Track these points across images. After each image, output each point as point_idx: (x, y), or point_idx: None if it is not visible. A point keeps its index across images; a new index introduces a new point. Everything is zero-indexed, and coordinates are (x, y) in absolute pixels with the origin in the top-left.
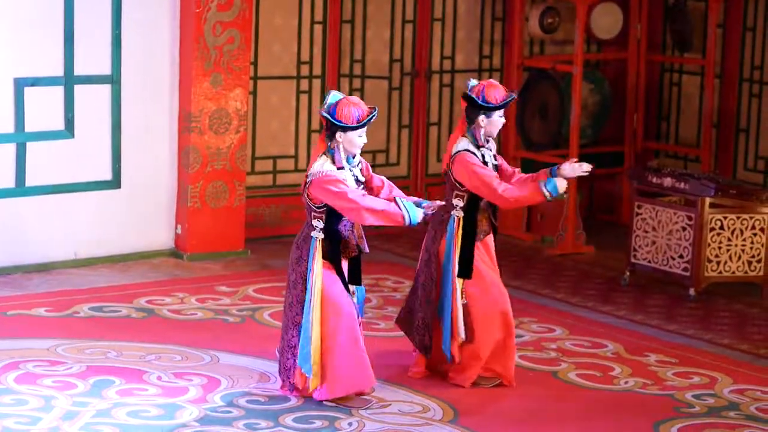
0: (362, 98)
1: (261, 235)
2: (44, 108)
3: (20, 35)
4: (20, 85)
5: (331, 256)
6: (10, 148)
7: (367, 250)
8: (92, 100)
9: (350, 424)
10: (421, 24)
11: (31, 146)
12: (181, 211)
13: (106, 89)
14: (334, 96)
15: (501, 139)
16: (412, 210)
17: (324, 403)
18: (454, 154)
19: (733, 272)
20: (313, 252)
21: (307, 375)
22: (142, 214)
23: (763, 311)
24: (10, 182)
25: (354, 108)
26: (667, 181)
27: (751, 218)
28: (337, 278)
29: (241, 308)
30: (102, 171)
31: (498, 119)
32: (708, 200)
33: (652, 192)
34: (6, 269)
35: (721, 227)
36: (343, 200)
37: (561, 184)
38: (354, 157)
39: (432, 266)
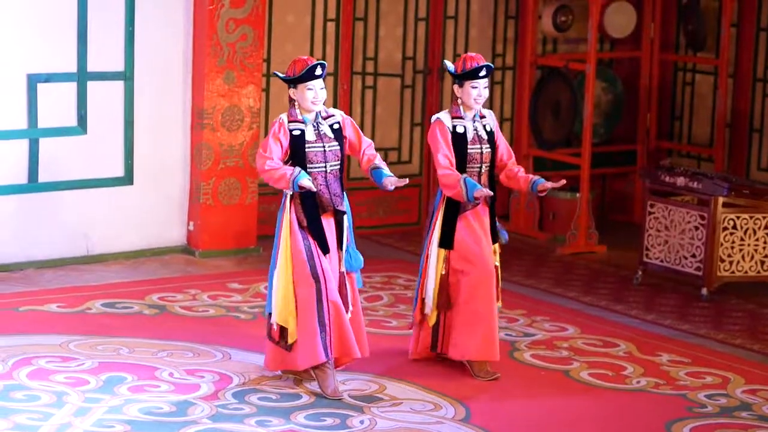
0: (374, 96)
1: (273, 232)
2: (57, 104)
3: (34, 31)
4: (33, 81)
5: (308, 214)
6: (23, 144)
7: (341, 208)
8: (105, 97)
9: (362, 422)
10: (434, 22)
11: (43, 142)
12: (193, 208)
13: (119, 86)
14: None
15: (513, 137)
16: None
17: (342, 400)
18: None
19: (746, 272)
20: (282, 208)
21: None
22: (155, 211)
23: None
24: (23, 178)
25: (300, 62)
26: (680, 181)
27: (764, 218)
28: (303, 242)
29: (253, 305)
30: (114, 167)
31: (469, 89)
32: (721, 200)
33: (664, 191)
34: (18, 265)
35: (734, 227)
36: (261, 146)
37: (482, 193)
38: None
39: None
